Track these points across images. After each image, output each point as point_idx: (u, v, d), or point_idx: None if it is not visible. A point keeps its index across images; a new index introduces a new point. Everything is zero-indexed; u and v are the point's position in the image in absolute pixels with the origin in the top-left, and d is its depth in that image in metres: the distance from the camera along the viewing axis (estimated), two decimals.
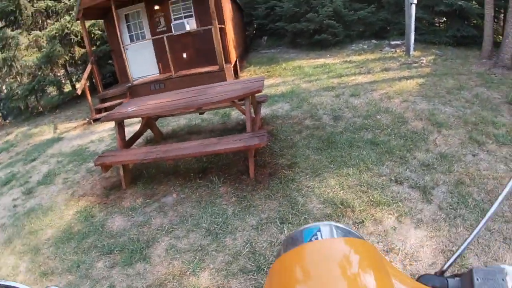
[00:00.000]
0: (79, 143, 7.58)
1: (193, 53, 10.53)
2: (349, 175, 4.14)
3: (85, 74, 9.46)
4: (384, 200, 3.61)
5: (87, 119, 9.42)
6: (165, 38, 9.16)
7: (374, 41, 13.51)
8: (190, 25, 10.00)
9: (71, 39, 12.09)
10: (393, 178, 3.97)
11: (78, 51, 12.51)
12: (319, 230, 0.83)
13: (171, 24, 10.12)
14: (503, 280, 0.71)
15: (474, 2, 12.74)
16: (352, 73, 9.07)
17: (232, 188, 4.24)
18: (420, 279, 0.81)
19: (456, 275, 0.79)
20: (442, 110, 5.87)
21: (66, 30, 11.82)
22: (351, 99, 6.91)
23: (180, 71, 9.79)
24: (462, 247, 0.87)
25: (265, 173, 4.46)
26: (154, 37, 10.11)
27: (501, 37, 9.98)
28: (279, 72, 10.48)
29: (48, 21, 12.75)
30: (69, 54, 12.23)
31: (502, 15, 12.53)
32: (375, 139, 4.98)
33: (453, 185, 3.76)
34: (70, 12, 12.27)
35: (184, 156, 4.33)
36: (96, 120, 9.04)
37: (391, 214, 3.40)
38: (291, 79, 9.41)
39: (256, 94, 5.06)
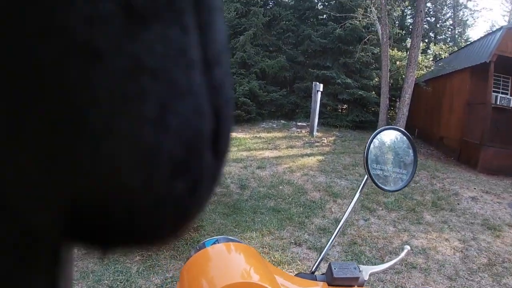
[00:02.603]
0: None
1: None
2: (252, 238, 4.32)
3: None
4: (285, 259, 3.84)
5: None
6: None
7: (283, 121, 14.88)
8: None
9: None
10: (292, 241, 4.27)
11: None
12: (217, 240, 1.08)
13: None
14: (355, 268, 0.98)
15: (373, 92, 15.16)
16: (261, 148, 9.73)
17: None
18: (297, 276, 1.05)
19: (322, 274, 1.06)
20: (338, 183, 6.70)
21: None
22: (257, 171, 7.37)
23: None
24: (324, 251, 1.21)
25: None
26: None
27: (394, 122, 11.98)
28: None
29: None
30: None
31: (397, 103, 15.02)
32: (277, 206, 5.35)
33: (347, 245, 4.25)
34: None
35: None
36: None
37: (291, 271, 3.59)
38: None
39: None
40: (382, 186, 1.18)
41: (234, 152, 9.17)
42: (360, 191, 1.20)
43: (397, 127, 1.27)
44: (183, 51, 0.16)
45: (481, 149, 9.17)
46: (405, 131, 1.24)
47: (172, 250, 4.00)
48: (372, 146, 1.17)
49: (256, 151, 9.37)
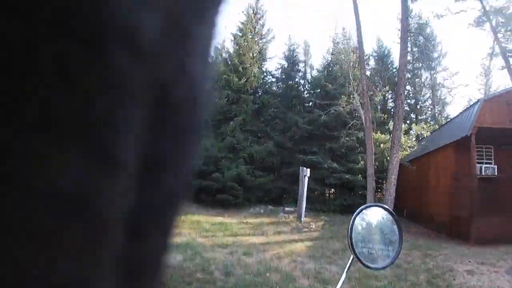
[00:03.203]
0: None
1: None
2: None
3: None
4: None
5: None
6: None
7: (270, 206, 14.66)
8: None
9: None
10: None
11: None
12: None
13: None
14: None
15: (359, 175, 15.22)
16: (247, 234, 9.44)
17: None
18: None
19: None
20: (328, 269, 6.33)
21: None
22: (243, 257, 7.02)
23: None
24: None
25: None
26: None
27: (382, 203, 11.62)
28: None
29: None
30: None
31: (384, 185, 14.89)
32: None
33: None
34: None
35: None
36: None
37: None
38: (187, 232, 9.37)
39: None
40: (369, 264, 1.14)
41: (219, 238, 8.86)
42: (347, 271, 1.14)
43: (379, 204, 1.26)
44: None
45: (471, 222, 9.01)
46: (387, 208, 1.23)
47: None
48: (355, 225, 1.15)
49: (242, 236, 9.06)
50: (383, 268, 1.20)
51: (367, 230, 1.22)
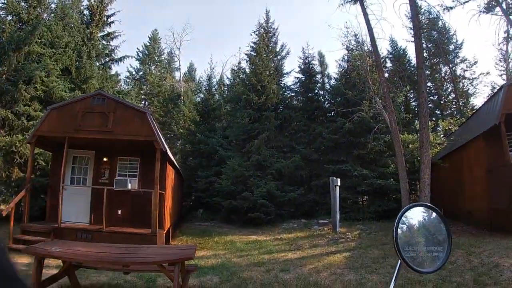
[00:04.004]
0: None
1: (128, 212, 10.39)
2: None
3: (16, 199, 8.87)
4: None
5: (1, 244, 8.16)
6: (105, 190, 9.13)
7: (303, 220, 14.52)
8: (132, 184, 10.25)
9: (14, 158, 11.60)
10: None
11: (16, 173, 11.86)
12: None
13: (114, 179, 10.30)
14: None
15: (391, 179, 14.85)
16: (283, 250, 9.37)
17: None
18: None
19: None
20: (369, 279, 6.18)
21: (13, 148, 11.48)
22: (281, 274, 6.97)
23: (111, 227, 9.38)
24: None
25: None
26: (94, 186, 10.08)
27: None
28: (211, 245, 10.50)
29: (1, 131, 12.30)
30: (7, 173, 11.49)
31: (418, 186, 14.43)
32: None
33: None
34: (25, 132, 12.12)
35: None
36: (11, 249, 7.90)
37: None
38: (222, 253, 9.42)
39: (186, 263, 5.03)
40: (418, 269, 1.10)
41: (254, 256, 8.84)
42: (395, 278, 1.10)
43: (422, 203, 1.20)
44: None
45: None
46: (431, 205, 1.18)
47: None
48: (400, 227, 1.11)
49: (278, 253, 9.00)
50: (435, 271, 1.15)
51: (412, 232, 1.16)
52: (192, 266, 5.94)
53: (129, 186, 10.08)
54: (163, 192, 10.29)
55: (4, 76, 12.69)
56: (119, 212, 10.37)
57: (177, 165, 14.32)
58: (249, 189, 14.81)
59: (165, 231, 10.15)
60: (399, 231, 1.09)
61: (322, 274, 6.72)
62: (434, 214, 1.16)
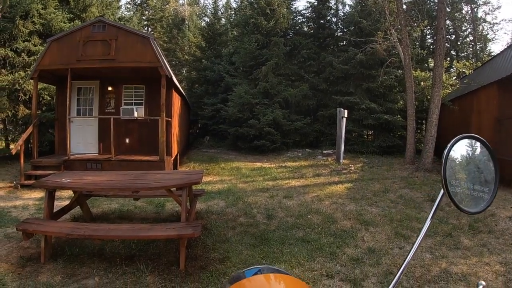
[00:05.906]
0: (0, 205, 6.87)
1: (136, 140, 10.61)
2: None
3: (24, 136, 9.05)
4: None
5: (14, 182, 8.64)
6: (111, 119, 9.22)
7: (308, 149, 14.78)
8: (139, 112, 10.28)
9: (19, 96, 11.69)
10: (324, 273, 4.07)
11: (22, 111, 12.02)
12: (260, 270, 0.96)
13: (120, 108, 10.33)
14: None
15: (399, 116, 14.85)
16: (287, 177, 9.65)
17: (160, 278, 3.99)
18: None
19: None
20: (369, 210, 6.47)
21: (16, 86, 11.51)
22: (284, 200, 7.26)
23: (119, 155, 9.66)
24: (397, 275, 1.04)
25: (196, 265, 4.30)
26: (101, 116, 10.18)
27: (422, 145, 11.52)
28: (218, 171, 10.81)
29: (3, 71, 12.27)
30: (13, 111, 11.66)
31: (424, 125, 14.56)
32: (306, 237, 5.18)
33: (382, 276, 3.98)
34: (26, 69, 12.05)
35: (114, 237, 4.10)
36: (23, 186, 8.35)
37: None
38: (228, 179, 9.72)
39: (194, 187, 5.17)
40: (463, 208, 1.02)
41: (259, 182, 9.14)
42: (434, 211, 1.03)
43: (475, 135, 1.10)
44: None
45: None
46: (483, 140, 1.09)
47: (196, 282, 3.88)
48: (450, 158, 1.02)
49: (282, 180, 9.29)
50: (478, 212, 1.07)
51: (461, 166, 1.07)
52: (199, 191, 6.19)
53: (136, 114, 10.12)
54: (169, 119, 10.35)
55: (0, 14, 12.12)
56: (127, 140, 10.58)
57: (183, 92, 14.21)
58: (256, 117, 14.84)
59: (173, 158, 10.42)
60: (449, 162, 1.02)
61: (323, 203, 7.01)
62: (485, 150, 1.09)
